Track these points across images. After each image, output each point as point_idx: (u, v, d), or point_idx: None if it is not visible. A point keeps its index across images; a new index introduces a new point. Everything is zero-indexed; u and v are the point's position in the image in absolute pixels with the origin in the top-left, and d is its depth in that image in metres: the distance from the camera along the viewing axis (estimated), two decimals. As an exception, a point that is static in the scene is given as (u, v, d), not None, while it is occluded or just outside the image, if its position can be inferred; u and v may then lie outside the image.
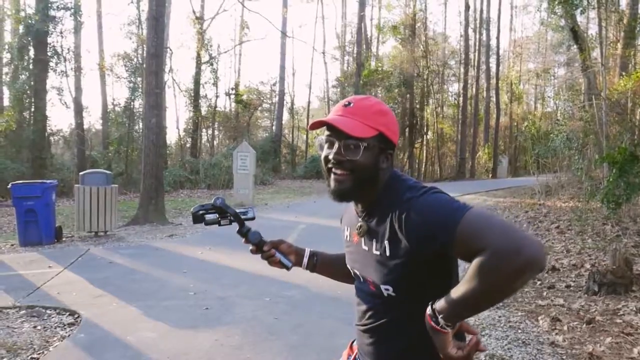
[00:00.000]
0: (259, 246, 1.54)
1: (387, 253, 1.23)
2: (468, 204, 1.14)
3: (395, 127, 1.32)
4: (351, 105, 1.29)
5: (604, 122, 10.95)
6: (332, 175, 1.30)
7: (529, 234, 1.06)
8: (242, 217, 1.53)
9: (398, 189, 1.27)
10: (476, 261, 1.05)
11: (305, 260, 1.61)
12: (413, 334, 1.23)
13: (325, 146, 1.31)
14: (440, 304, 1.13)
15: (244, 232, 1.53)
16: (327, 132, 1.31)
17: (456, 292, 1.10)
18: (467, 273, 1.07)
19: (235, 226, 1.54)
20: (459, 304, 1.10)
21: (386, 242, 1.23)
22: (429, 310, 1.16)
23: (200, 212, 1.51)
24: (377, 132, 1.27)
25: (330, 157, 1.28)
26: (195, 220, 1.51)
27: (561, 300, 4.78)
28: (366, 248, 1.31)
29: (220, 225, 1.52)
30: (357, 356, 1.41)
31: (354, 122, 1.26)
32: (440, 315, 1.12)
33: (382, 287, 1.26)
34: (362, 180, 1.27)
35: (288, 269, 1.58)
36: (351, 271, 1.44)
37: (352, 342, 1.49)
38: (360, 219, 1.35)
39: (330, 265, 1.65)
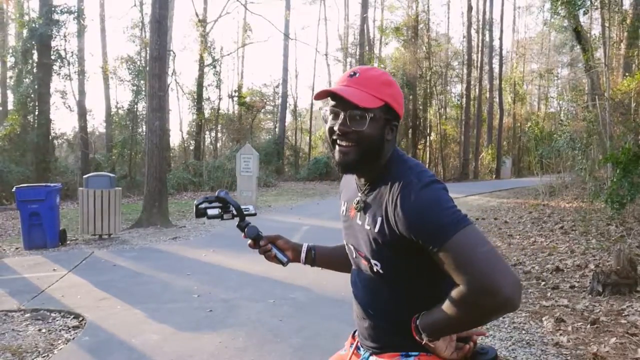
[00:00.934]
0: (255, 240, 1.56)
1: (377, 229, 1.23)
2: (465, 219, 1.13)
3: (400, 99, 1.29)
4: (357, 75, 1.25)
5: (607, 123, 10.92)
6: (337, 147, 1.27)
7: (510, 271, 1.08)
8: (245, 212, 1.56)
9: (400, 166, 1.26)
10: (456, 292, 1.11)
11: (303, 255, 1.61)
12: (407, 318, 1.25)
13: (330, 117, 1.27)
14: (422, 321, 1.20)
15: (243, 226, 1.55)
16: (331, 103, 1.27)
17: (436, 314, 1.17)
18: (447, 299, 1.14)
19: (236, 221, 1.57)
20: (438, 326, 1.18)
21: (379, 219, 1.23)
22: (413, 325, 1.23)
23: (203, 204, 1.53)
24: (383, 102, 1.24)
25: (335, 128, 1.24)
26: (198, 214, 1.54)
27: (565, 300, 4.77)
28: (360, 222, 1.31)
29: (222, 219, 1.55)
30: (359, 344, 1.42)
31: (360, 92, 1.22)
32: (423, 333, 1.20)
33: (372, 261, 1.27)
34: (368, 152, 1.24)
35: (284, 264, 1.59)
36: (346, 247, 1.44)
37: (354, 332, 1.49)
38: (360, 193, 1.33)
39: (329, 257, 1.65)
